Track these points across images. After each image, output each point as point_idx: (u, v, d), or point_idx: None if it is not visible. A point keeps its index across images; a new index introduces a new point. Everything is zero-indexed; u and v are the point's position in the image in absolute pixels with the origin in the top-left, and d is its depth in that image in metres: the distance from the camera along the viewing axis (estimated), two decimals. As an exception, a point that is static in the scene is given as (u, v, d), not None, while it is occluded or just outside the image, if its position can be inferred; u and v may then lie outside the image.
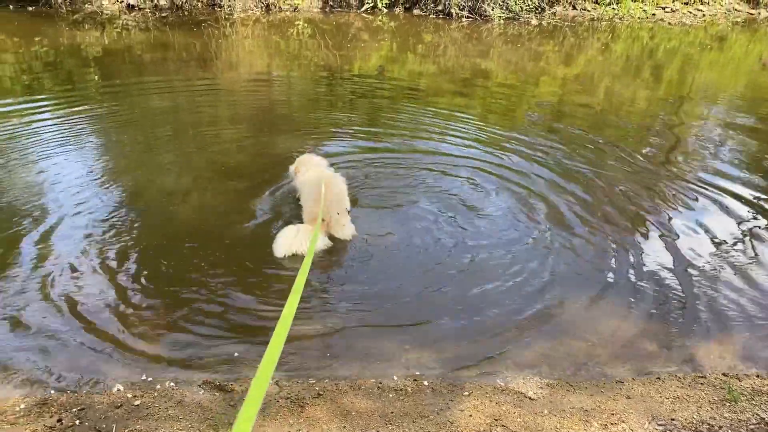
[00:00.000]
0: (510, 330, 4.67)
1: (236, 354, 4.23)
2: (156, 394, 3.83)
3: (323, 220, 5.52)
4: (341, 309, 4.79)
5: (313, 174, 5.99)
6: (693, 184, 7.43)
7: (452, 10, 18.78)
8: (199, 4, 19.30)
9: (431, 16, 19.10)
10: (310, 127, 9.10)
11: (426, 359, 4.32)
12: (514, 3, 18.69)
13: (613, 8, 20.24)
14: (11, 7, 18.92)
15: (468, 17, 18.79)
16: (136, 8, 19.23)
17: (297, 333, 4.45)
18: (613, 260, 5.68)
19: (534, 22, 18.84)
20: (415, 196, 6.73)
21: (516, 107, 10.74)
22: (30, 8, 18.83)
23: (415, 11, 19.52)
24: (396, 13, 19.64)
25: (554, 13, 19.59)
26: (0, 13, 18.44)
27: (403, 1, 19.65)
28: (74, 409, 3.65)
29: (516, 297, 5.05)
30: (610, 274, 5.46)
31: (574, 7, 20.07)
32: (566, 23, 19.04)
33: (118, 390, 3.86)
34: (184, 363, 4.13)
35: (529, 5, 18.84)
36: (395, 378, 4.11)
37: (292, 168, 6.46)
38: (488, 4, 18.62)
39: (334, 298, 4.93)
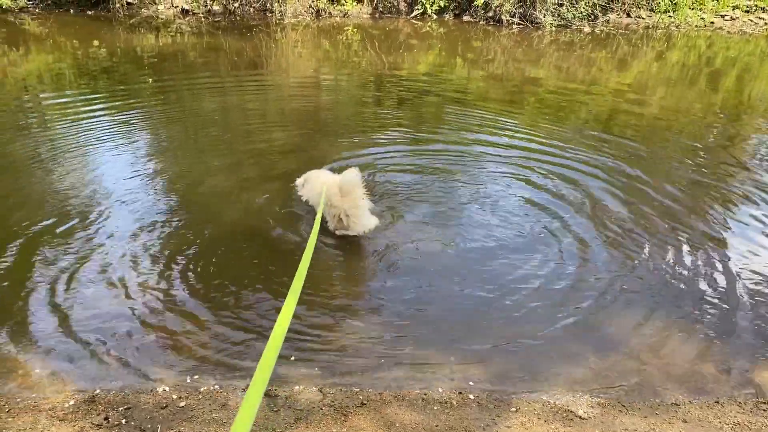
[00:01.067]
0: (559, 346, 4.52)
1: (280, 358, 4.19)
2: (200, 396, 3.82)
3: (340, 218, 5.52)
4: (386, 318, 4.72)
5: (324, 178, 5.98)
6: (751, 199, 7.11)
7: (503, 17, 18.58)
8: (252, 10, 19.59)
9: (481, 22, 18.95)
10: (357, 130, 9.10)
11: (472, 372, 4.21)
12: (566, 10, 18.37)
13: (670, 16, 19.71)
14: (72, 11, 19.56)
15: (518, 24, 18.57)
16: (190, 13, 19.64)
17: (341, 340, 4.41)
18: (667, 276, 5.46)
19: (586, 29, 18.49)
20: (461, 203, 6.63)
21: (565, 115, 10.52)
22: (89, 12, 19.45)
23: (465, 18, 19.40)
24: (445, 19, 19.56)
25: (608, 21, 19.18)
26: (61, 17, 19.09)
27: (452, 8, 19.54)
28: (121, 408, 3.67)
29: (565, 312, 4.89)
30: (664, 291, 5.25)
31: (628, 15, 19.62)
32: (620, 31, 18.63)
33: (164, 390, 3.87)
34: (228, 366, 4.12)
35: (582, 12, 18.49)
36: (440, 390, 4.02)
37: (299, 181, 6.40)
38: (540, 11, 18.35)
39: (379, 306, 4.86)
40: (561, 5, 18.38)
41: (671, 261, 5.69)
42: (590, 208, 6.61)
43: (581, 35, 18.11)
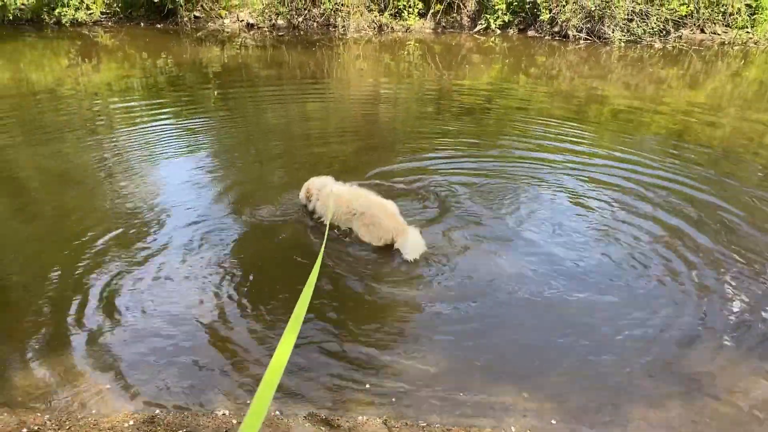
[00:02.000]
0: (639, 383, 4.17)
1: (344, 387, 3.99)
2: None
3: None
4: (450, 347, 4.47)
5: (340, 189, 6.01)
6: None
7: (569, 32, 18.13)
8: (315, 24, 19.74)
9: (546, 37, 18.55)
10: (415, 144, 8.89)
11: (547, 410, 3.91)
12: (636, 25, 17.79)
13: (747, 32, 18.83)
14: (142, 24, 20.16)
15: (586, 39, 18.08)
16: (255, 27, 19.95)
17: (405, 370, 4.18)
18: (760, 311, 5.01)
19: (657, 45, 17.84)
20: (522, 221, 6.33)
21: (632, 133, 10.04)
22: (158, 25, 19.99)
23: (530, 33, 19.03)
24: (509, 34, 19.24)
25: (680, 37, 18.47)
26: (132, 30, 19.70)
27: (517, 23, 19.21)
28: (180, 431, 3.54)
29: (645, 347, 4.52)
30: (759, 326, 4.81)
31: (702, 31, 18.86)
32: (693, 47, 17.90)
33: (224, 414, 3.72)
34: (290, 392, 3.94)
35: (652, 28, 17.87)
36: (513, 429, 3.73)
37: (301, 192, 6.27)
38: (608, 27, 17.83)
39: (442, 335, 4.60)
40: (631, 20, 17.81)
41: (761, 294, 5.24)
42: (660, 232, 6.17)
43: (651, 51, 17.49)
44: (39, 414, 3.63)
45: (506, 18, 19.02)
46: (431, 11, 19.64)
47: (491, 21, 19.07)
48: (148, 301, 4.83)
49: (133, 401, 3.82)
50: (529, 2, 18.52)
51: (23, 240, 5.87)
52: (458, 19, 19.88)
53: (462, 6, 19.67)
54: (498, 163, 8.11)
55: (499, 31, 19.29)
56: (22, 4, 18.88)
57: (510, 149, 8.76)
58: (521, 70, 15.43)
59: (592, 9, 17.69)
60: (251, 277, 5.21)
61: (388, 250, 5.61)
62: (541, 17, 18.45)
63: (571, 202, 6.89)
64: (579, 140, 9.26)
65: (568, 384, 4.14)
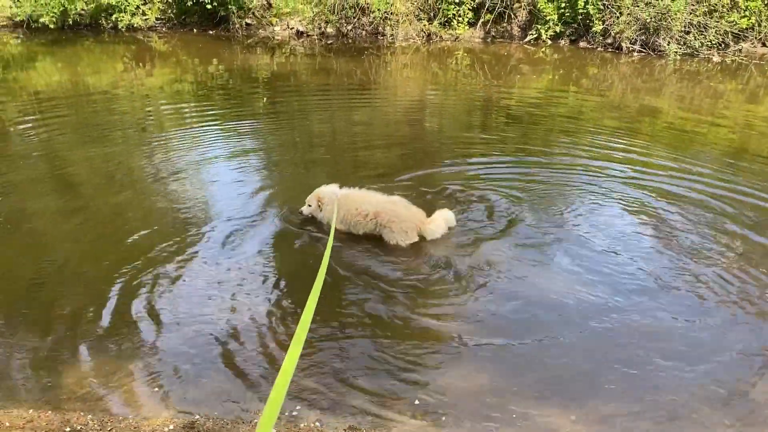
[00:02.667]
0: (696, 412, 3.93)
1: (385, 401, 3.88)
2: (300, 432, 3.58)
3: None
4: (497, 365, 4.32)
5: (349, 193, 6.12)
6: None
7: (623, 44, 17.71)
8: (364, 33, 19.79)
9: (599, 49, 18.16)
10: (461, 152, 8.76)
11: (597, 435, 3.72)
12: (693, 38, 17.26)
13: (811, 46, 18.07)
14: (195, 30, 20.55)
15: (640, 52, 17.62)
16: (305, 35, 20.11)
17: (449, 386, 4.04)
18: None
19: (715, 59, 17.27)
20: (573, 234, 6.13)
21: (688, 145, 9.68)
22: (211, 32, 20.34)
23: (582, 44, 18.66)
24: (560, 45, 18.91)
25: (740, 50, 17.83)
26: (185, 36, 20.09)
27: (569, 33, 18.88)
28: (219, 438, 3.48)
29: (703, 374, 4.27)
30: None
31: (764, 45, 18.17)
32: (753, 61, 17.27)
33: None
34: (331, 403, 3.86)
35: (710, 41, 17.31)
36: (562, 453, 3.56)
37: (310, 201, 6.19)
38: (664, 39, 17.36)
39: (490, 352, 4.45)
40: (687, 33, 17.29)
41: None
42: (716, 252, 5.88)
43: (709, 65, 16.93)
44: (82, 414, 3.63)
45: (558, 29, 18.70)
46: (481, 20, 19.46)
47: (542, 31, 18.78)
48: (190, 306, 4.82)
49: (174, 406, 3.78)
50: (581, 13, 18.16)
51: (71, 239, 5.95)
52: (508, 28, 19.66)
53: (513, 16, 19.45)
54: (545, 173, 7.92)
55: (550, 42, 18.98)
56: (82, 10, 19.46)
57: (558, 159, 8.54)
58: (572, 81, 15.13)
59: (647, 21, 17.25)
60: (293, 284, 5.15)
61: (422, 256, 5.50)
62: (593, 28, 18.08)
63: (624, 214, 6.65)
64: (630, 151, 8.97)
65: (619, 408, 3.94)
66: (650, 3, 17.26)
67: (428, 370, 4.18)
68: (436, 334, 4.56)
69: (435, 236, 5.87)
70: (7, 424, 3.52)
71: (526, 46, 19.00)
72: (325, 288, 5.00)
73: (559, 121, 11.16)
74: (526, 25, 19.49)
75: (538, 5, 18.54)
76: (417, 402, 3.88)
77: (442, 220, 5.90)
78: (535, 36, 19.02)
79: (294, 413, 3.74)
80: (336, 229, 5.95)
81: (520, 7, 19.34)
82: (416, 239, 5.85)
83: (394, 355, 4.30)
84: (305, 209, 6.22)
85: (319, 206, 6.10)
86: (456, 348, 4.43)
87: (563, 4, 18.35)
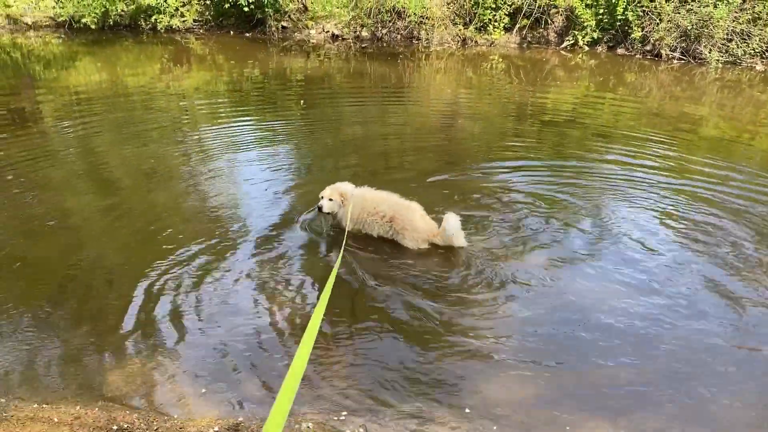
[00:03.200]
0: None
1: (429, 408, 3.81)
2: (345, 439, 3.53)
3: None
4: (539, 373, 4.21)
5: (365, 192, 5.99)
6: None
7: (662, 51, 17.41)
8: (399, 37, 19.78)
9: (637, 56, 17.87)
10: (494, 158, 8.63)
11: (649, 451, 3.61)
12: (735, 46, 16.89)
13: None
14: (231, 32, 20.76)
15: (680, 59, 17.30)
16: (340, 38, 20.17)
17: (492, 394, 3.96)
18: None
19: (759, 67, 16.86)
20: (610, 240, 6.00)
21: (725, 156, 9.40)
22: (247, 34, 20.52)
23: (619, 50, 18.40)
24: (597, 51, 18.67)
25: (783, 59, 17.42)
26: (222, 38, 20.30)
27: (606, 40, 18.62)
28: (263, 441, 3.45)
29: (756, 394, 4.12)
30: None
31: (808, 53, 17.71)
32: (798, 70, 16.84)
33: (307, 428, 3.61)
34: (376, 408, 3.80)
35: (754, 49, 16.90)
36: (613, 469, 3.45)
37: (332, 196, 5.92)
38: (705, 47, 17.01)
39: (531, 361, 4.34)
40: (730, 40, 16.92)
41: None
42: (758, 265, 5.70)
43: (752, 73, 16.54)
44: (128, 412, 3.64)
45: (595, 35, 18.46)
46: (517, 26, 19.31)
47: (579, 37, 18.56)
48: (233, 306, 4.82)
49: (219, 407, 3.77)
50: (620, 19, 17.91)
51: (111, 236, 6.00)
52: (545, 34, 19.47)
53: (549, 21, 19.26)
54: (581, 179, 7.79)
55: (587, 48, 18.75)
56: (122, 11, 19.80)
57: (594, 165, 8.38)
58: (608, 88, 14.90)
59: (688, 28, 16.93)
60: (342, 292, 5.11)
61: (459, 263, 5.42)
62: (632, 35, 17.82)
63: (666, 222, 6.49)
64: (669, 158, 8.78)
65: (668, 425, 3.81)
66: (692, 10, 16.95)
67: (471, 380, 4.10)
68: (477, 343, 4.48)
69: (449, 243, 5.71)
70: (56, 419, 3.54)
71: (562, 52, 18.81)
72: (364, 296, 4.96)
73: (595, 127, 10.98)
74: (563, 30, 19.29)
75: (576, 11, 18.34)
76: (457, 408, 3.81)
77: (451, 229, 5.57)
78: (571, 42, 18.81)
79: (340, 417, 3.70)
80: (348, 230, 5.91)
81: (557, 12, 19.15)
82: (425, 247, 5.79)
83: (434, 364, 4.23)
84: (326, 205, 5.90)
85: (342, 202, 5.92)
86: (498, 358, 4.34)
87: (602, 10, 18.13)
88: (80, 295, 4.94)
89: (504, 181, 7.62)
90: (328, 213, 5.95)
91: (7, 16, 21.15)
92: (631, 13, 17.56)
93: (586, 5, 18.39)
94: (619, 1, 17.47)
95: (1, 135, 9.45)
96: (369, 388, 3.98)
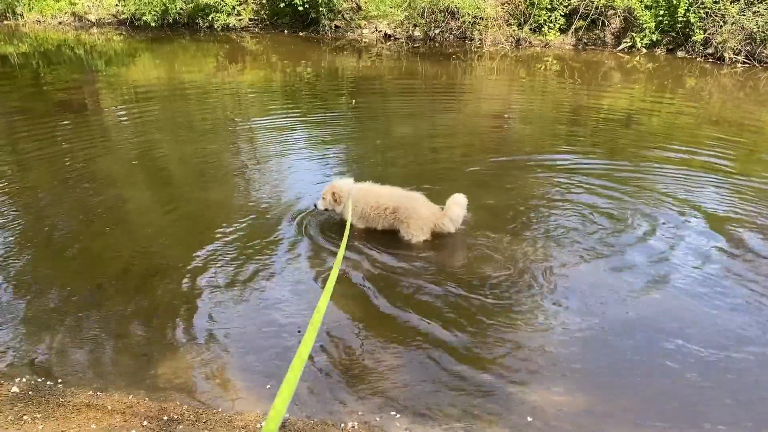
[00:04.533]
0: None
1: (476, 416, 3.76)
2: (389, 440, 3.51)
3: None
4: (588, 384, 4.10)
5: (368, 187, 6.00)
6: None
7: (725, 54, 16.81)
8: (451, 37, 19.67)
9: (698, 59, 17.31)
10: (546, 162, 8.41)
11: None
12: (805, 49, 16.19)
13: None
14: (286, 32, 21.02)
15: (744, 63, 16.67)
16: (392, 38, 20.19)
17: (539, 404, 3.87)
18: None
19: (829, 72, 16.13)
20: (669, 250, 5.78)
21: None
22: (301, 33, 20.75)
23: (679, 53, 17.85)
24: (656, 54, 18.16)
25: None
26: (276, 37, 20.59)
27: (665, 42, 18.10)
28: (308, 439, 3.47)
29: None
30: None
31: None
32: None
33: (353, 427, 3.61)
34: (421, 410, 3.76)
35: (825, 52, 16.17)
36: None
37: (324, 195, 5.92)
38: (771, 50, 16.35)
39: (581, 371, 4.24)
40: (798, 44, 16.23)
41: None
42: None
43: (821, 79, 15.83)
44: (178, 403, 3.71)
45: (654, 37, 17.95)
46: (573, 27, 18.95)
47: (637, 39, 18.08)
48: (284, 303, 4.86)
49: (266, 403, 3.79)
50: (681, 21, 17.36)
51: (164, 229, 6.13)
52: (601, 36, 19.04)
53: (606, 23, 18.83)
54: (635, 182, 7.55)
55: (645, 51, 18.26)
56: (181, 9, 20.28)
57: (649, 170, 8.09)
58: (666, 91, 14.46)
59: (754, 30, 16.30)
60: (382, 282, 5.10)
61: (505, 264, 5.33)
62: (693, 37, 17.25)
63: (726, 230, 6.23)
64: (728, 166, 8.42)
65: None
66: (758, 12, 16.31)
67: (519, 388, 4.02)
68: (525, 349, 4.39)
69: (456, 226, 5.80)
70: (110, 407, 3.63)
71: (619, 54, 18.37)
72: (408, 297, 4.92)
73: (652, 131, 10.65)
74: (620, 32, 18.83)
75: (635, 12, 17.88)
76: (503, 417, 3.74)
77: (455, 206, 5.71)
78: (629, 44, 18.35)
79: (384, 417, 3.68)
80: (354, 226, 5.93)
81: (615, 14, 18.70)
82: (429, 237, 5.82)
83: (481, 370, 4.16)
84: (320, 204, 5.97)
85: (335, 200, 5.88)
86: (546, 367, 4.24)
87: (662, 12, 17.61)
88: (133, 286, 5.07)
89: (556, 183, 7.46)
90: (325, 210, 6.03)
91: (73, 14, 21.95)
92: (693, 14, 17.01)
93: (646, 6, 17.91)
94: (681, 3, 16.93)
95: (64, 128, 9.81)
96: (414, 390, 3.95)
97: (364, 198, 5.88)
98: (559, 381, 4.10)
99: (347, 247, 5.78)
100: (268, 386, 3.94)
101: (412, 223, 5.77)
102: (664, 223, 6.37)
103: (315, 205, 6.06)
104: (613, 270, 5.45)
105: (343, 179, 6.11)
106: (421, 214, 5.77)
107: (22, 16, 22.27)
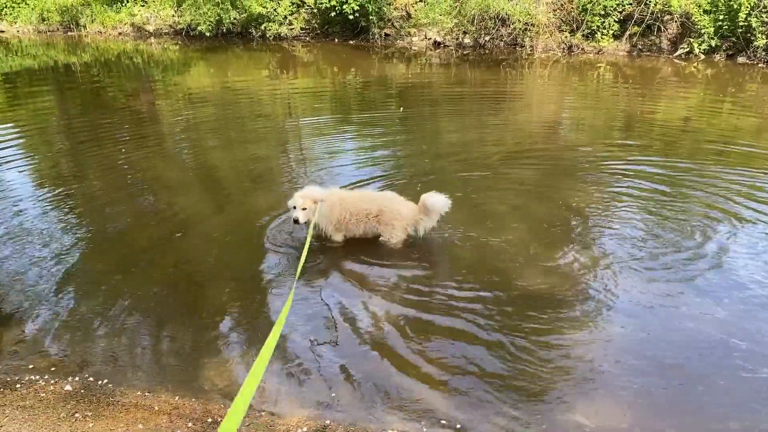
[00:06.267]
0: None
1: (523, 422, 3.68)
2: (431, 451, 3.47)
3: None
4: (643, 403, 3.94)
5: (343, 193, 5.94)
6: None
7: (790, 60, 16.19)
8: (501, 44, 19.53)
9: (760, 65, 16.69)
10: (599, 170, 8.19)
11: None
12: None
13: None
14: (336, 40, 21.26)
15: (810, 68, 16.03)
16: (442, 45, 20.18)
17: (591, 418, 3.76)
18: None
19: None
20: (728, 265, 5.53)
21: None
22: (351, 42, 20.96)
23: (740, 59, 17.25)
24: (715, 60, 17.60)
25: None
26: (326, 45, 20.86)
27: (725, 48, 17.52)
28: (351, 446, 3.46)
29: None
30: None
31: None
32: None
33: (393, 433, 3.58)
34: (462, 422, 3.70)
35: None
36: None
37: (305, 205, 5.50)
38: (839, 55, 15.65)
39: (628, 392, 4.08)
40: None
41: None
42: None
43: None
44: (222, 405, 3.75)
45: (713, 42, 17.41)
46: (627, 33, 18.55)
47: (695, 45, 17.58)
48: (328, 309, 4.87)
49: (307, 407, 3.80)
50: (742, 26, 16.78)
51: (215, 235, 6.22)
52: (657, 42, 18.59)
53: (663, 28, 18.36)
54: (692, 192, 7.30)
55: (703, 57, 17.73)
56: (234, 19, 20.76)
57: (706, 181, 7.77)
58: (726, 99, 13.98)
59: (821, 34, 15.66)
60: (423, 291, 5.06)
61: (557, 273, 5.21)
62: (755, 42, 16.66)
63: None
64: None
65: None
66: (826, 15, 15.66)
67: (567, 397, 3.92)
68: (573, 364, 4.27)
69: (433, 222, 5.78)
70: (156, 408, 3.71)
71: (675, 60, 17.89)
72: (456, 309, 4.86)
73: (710, 140, 10.24)
74: (677, 38, 18.36)
75: (693, 17, 17.38)
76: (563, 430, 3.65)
77: (429, 203, 5.58)
78: (686, 50, 17.85)
79: (428, 427, 3.65)
80: (332, 235, 5.82)
81: (671, 19, 18.22)
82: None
83: (529, 379, 4.08)
84: (300, 216, 5.46)
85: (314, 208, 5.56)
86: (596, 378, 4.12)
87: (721, 17, 17.06)
88: (185, 290, 5.17)
89: (609, 193, 7.28)
90: (305, 222, 5.54)
91: (132, 24, 22.74)
92: (755, 19, 16.43)
93: (704, 11, 17.38)
94: (742, 7, 16.37)
95: (122, 134, 10.14)
96: (456, 401, 3.90)
97: (340, 205, 5.68)
98: (608, 392, 3.98)
99: (385, 258, 5.76)
100: (310, 392, 3.95)
101: (396, 224, 5.72)
102: (726, 235, 6.13)
103: (296, 220, 5.51)
104: (672, 283, 5.26)
105: (311, 187, 5.83)
106: (403, 213, 5.73)
107: (84, 27, 23.22)
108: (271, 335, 1.29)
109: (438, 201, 5.57)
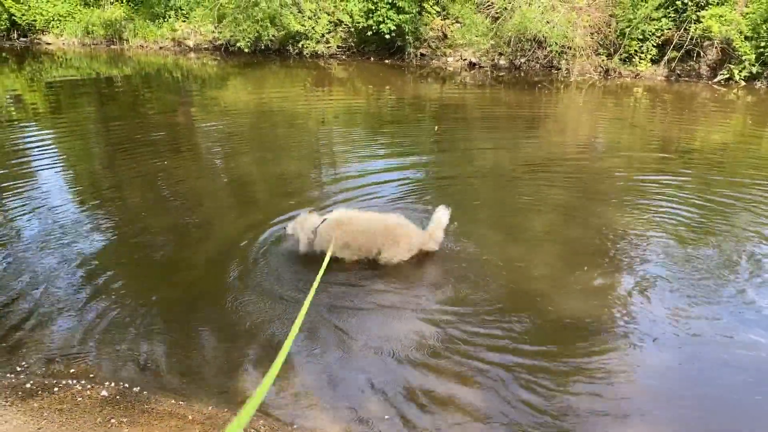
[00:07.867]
0: None
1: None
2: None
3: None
4: (681, 424, 3.86)
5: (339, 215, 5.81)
6: None
7: (834, 88, 15.82)
8: (537, 65, 19.49)
9: (804, 93, 16.36)
10: (633, 196, 8.01)
11: None
12: None
13: None
14: (372, 59, 21.45)
15: None
16: (477, 66, 20.21)
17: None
18: None
19: None
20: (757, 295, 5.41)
21: None
22: (387, 61, 21.12)
23: (782, 86, 16.93)
24: (756, 87, 17.28)
25: None
26: (362, 64, 21.06)
27: (767, 75, 17.21)
28: (382, 464, 3.43)
29: None
30: None
31: None
32: None
33: (425, 456, 3.54)
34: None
35: None
36: None
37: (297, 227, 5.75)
38: None
39: (669, 410, 4.00)
40: None
41: None
42: None
43: None
44: (255, 417, 3.75)
45: (754, 69, 17.11)
46: (666, 58, 18.36)
47: (735, 72, 17.30)
48: (362, 325, 4.86)
49: (340, 422, 3.79)
50: (785, 53, 16.52)
51: (254, 248, 6.25)
52: (696, 67, 18.35)
53: (702, 54, 18.13)
54: (730, 220, 7.12)
55: (743, 83, 17.42)
56: (273, 36, 21.09)
57: (747, 207, 7.59)
58: (767, 127, 13.67)
59: None
60: (457, 312, 5.02)
61: (597, 296, 5.13)
62: (798, 70, 16.36)
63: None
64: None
65: None
66: None
67: (598, 426, 3.85)
68: (609, 389, 4.19)
69: (438, 243, 5.85)
70: (190, 417, 3.73)
71: (714, 86, 17.62)
72: (489, 332, 4.81)
73: (749, 169, 9.96)
74: (717, 64, 18.08)
75: (734, 43, 17.12)
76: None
77: (437, 225, 5.78)
78: (726, 76, 17.58)
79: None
80: (342, 259, 5.70)
81: (711, 45, 17.98)
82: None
83: (561, 404, 4.01)
84: (305, 242, 5.68)
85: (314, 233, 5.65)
86: (629, 406, 4.04)
87: (763, 43, 16.78)
88: (221, 301, 5.19)
89: (643, 220, 7.13)
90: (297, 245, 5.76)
91: (173, 39, 23.27)
92: (799, 46, 16.15)
93: (746, 37, 17.12)
94: (785, 34, 16.13)
95: (159, 147, 10.33)
96: (488, 420, 3.84)
97: (348, 225, 5.64)
98: (644, 425, 3.89)
99: (411, 278, 5.76)
100: (343, 407, 3.93)
101: (403, 242, 5.67)
102: (762, 264, 5.99)
103: (305, 251, 5.72)
104: (711, 306, 5.15)
105: (307, 214, 5.88)
106: (411, 232, 5.72)
107: (127, 41, 23.84)
108: (286, 341, 1.29)
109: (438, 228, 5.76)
